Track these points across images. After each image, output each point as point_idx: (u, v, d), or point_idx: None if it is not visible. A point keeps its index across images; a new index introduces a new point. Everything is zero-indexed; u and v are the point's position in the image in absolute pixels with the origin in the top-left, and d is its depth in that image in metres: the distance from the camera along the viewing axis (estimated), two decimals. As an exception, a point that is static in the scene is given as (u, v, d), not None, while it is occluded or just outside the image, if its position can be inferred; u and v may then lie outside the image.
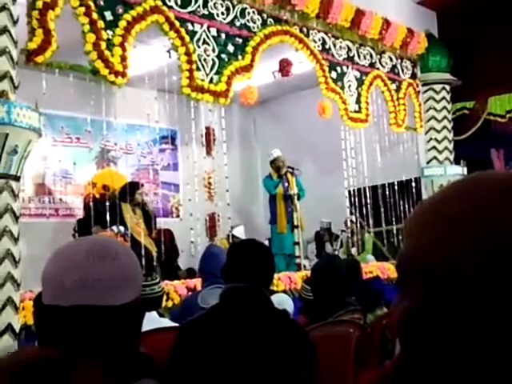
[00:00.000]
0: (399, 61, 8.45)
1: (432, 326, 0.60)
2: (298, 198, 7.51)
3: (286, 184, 7.60)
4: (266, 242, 7.71)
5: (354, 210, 8.23)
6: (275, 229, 7.63)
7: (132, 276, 1.18)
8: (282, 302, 3.68)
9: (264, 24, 6.58)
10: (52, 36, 4.71)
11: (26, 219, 6.70)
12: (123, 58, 5.24)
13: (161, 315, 3.40)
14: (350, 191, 8.19)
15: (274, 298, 3.79)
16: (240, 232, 7.26)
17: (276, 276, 5.70)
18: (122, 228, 6.21)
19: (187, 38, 5.79)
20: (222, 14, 6.20)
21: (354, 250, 8.12)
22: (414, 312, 0.61)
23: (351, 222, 8.29)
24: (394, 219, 8.14)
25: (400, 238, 7.54)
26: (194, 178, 6.87)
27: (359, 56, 7.81)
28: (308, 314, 3.60)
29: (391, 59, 8.32)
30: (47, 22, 4.69)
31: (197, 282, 5.18)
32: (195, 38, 5.91)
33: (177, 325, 3.07)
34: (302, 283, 4.12)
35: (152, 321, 2.83)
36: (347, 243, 8.38)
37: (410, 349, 0.63)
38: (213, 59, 6.03)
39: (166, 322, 3.10)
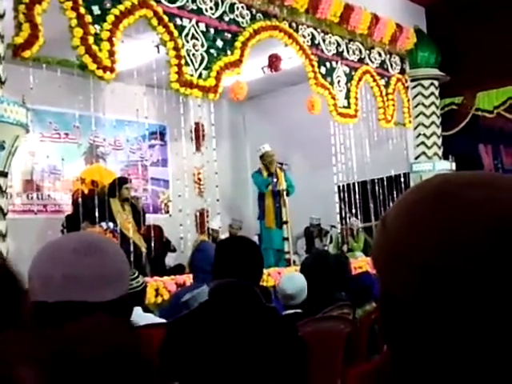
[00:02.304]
0: (388, 56, 8.47)
1: (423, 315, 0.60)
2: (287, 194, 7.50)
3: (275, 179, 7.59)
4: (256, 238, 7.70)
5: (350, 209, 8.24)
6: (264, 224, 7.61)
7: (119, 272, 1.17)
8: (293, 279, 3.60)
9: (253, 19, 6.57)
10: (39, 30, 4.67)
11: (13, 215, 6.65)
12: (111, 53, 5.21)
13: (149, 311, 3.38)
14: (339, 186, 8.21)
15: (288, 275, 3.76)
16: (216, 224, 7.22)
17: (266, 271, 5.70)
18: (111, 224, 6.19)
19: (176, 33, 5.77)
20: (211, 8, 6.18)
21: (344, 247, 8.14)
22: (402, 304, 0.61)
23: (351, 225, 8.28)
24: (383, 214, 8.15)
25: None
26: (183, 173, 6.85)
27: (348, 51, 7.82)
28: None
29: (380, 54, 8.33)
30: (34, 16, 4.65)
31: (186, 278, 5.17)
32: (184, 33, 5.89)
33: (163, 321, 3.06)
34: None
35: (137, 317, 2.82)
36: (337, 239, 8.40)
37: (397, 344, 0.64)
38: (202, 54, 6.01)
39: (151, 318, 3.08)
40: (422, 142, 8.81)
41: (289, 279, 3.62)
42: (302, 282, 3.48)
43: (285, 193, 7.44)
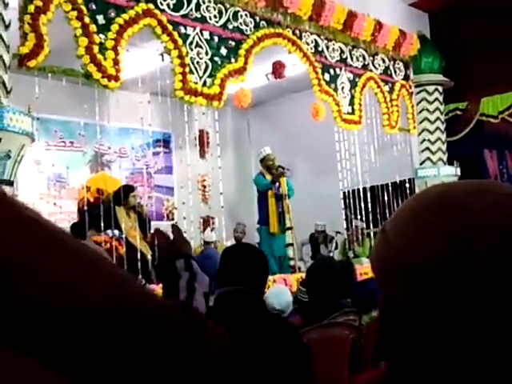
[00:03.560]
0: (392, 62, 8.48)
1: (427, 324, 0.59)
2: (288, 198, 7.45)
3: (277, 184, 7.54)
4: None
5: (356, 214, 8.23)
6: (265, 230, 7.37)
7: None
8: (281, 293, 3.72)
9: (257, 27, 6.59)
10: (44, 40, 4.70)
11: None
12: (116, 62, 5.23)
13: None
14: (344, 192, 8.21)
15: (274, 289, 3.82)
16: (210, 236, 7.19)
17: (271, 278, 5.69)
18: (116, 232, 6.19)
19: (180, 41, 5.80)
20: (215, 16, 6.20)
21: (350, 253, 8.12)
22: (405, 312, 0.61)
23: (356, 227, 8.27)
24: (388, 220, 8.12)
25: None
26: (188, 181, 6.86)
27: (352, 58, 7.83)
28: (303, 316, 3.60)
29: (384, 61, 8.34)
30: (39, 26, 4.68)
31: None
32: (188, 41, 5.91)
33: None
34: (299, 285, 4.13)
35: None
36: (342, 246, 8.39)
37: (399, 354, 0.63)
38: (206, 62, 6.03)
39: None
40: (427, 148, 8.80)
41: (276, 296, 3.69)
42: (288, 297, 3.60)
43: (286, 197, 7.39)
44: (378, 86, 8.15)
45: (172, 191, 9.55)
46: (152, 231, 6.87)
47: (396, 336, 0.63)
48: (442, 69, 8.81)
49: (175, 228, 1.75)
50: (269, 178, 7.53)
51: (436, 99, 8.81)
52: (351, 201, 8.20)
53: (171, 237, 1.74)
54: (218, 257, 3.46)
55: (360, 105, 7.84)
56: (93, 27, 5.12)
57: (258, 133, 10.19)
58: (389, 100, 8.30)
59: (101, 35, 5.19)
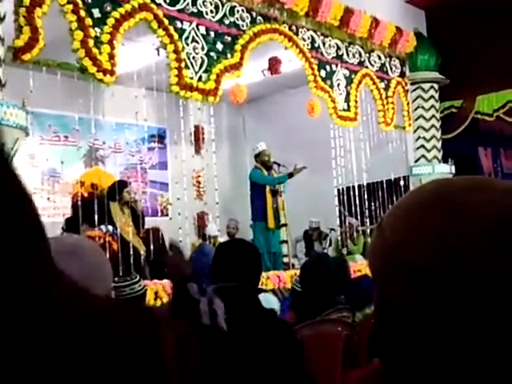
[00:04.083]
0: (388, 59, 8.48)
1: (421, 320, 0.59)
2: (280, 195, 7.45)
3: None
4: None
5: (350, 212, 8.24)
6: (259, 226, 7.33)
7: (96, 276, 1.15)
8: (269, 302, 3.73)
9: (253, 22, 6.58)
10: (39, 33, 4.68)
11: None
12: (111, 56, 5.21)
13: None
14: (339, 189, 8.21)
15: (261, 298, 3.83)
16: (212, 230, 7.17)
17: (265, 275, 5.70)
18: (110, 227, 6.18)
19: (176, 36, 5.78)
20: (211, 11, 6.18)
21: (344, 251, 8.13)
22: (400, 309, 0.61)
23: (350, 224, 8.28)
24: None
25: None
26: (182, 176, 6.84)
27: (348, 54, 7.83)
28: (297, 312, 3.61)
29: (380, 58, 8.34)
30: (34, 19, 4.66)
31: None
32: (184, 36, 5.89)
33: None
34: (296, 277, 4.14)
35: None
36: (336, 243, 8.39)
37: (394, 351, 0.63)
38: (202, 57, 6.01)
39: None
40: (422, 145, 8.81)
41: (264, 303, 3.69)
42: (275, 304, 3.60)
43: (282, 193, 7.40)
44: (374, 83, 8.15)
45: (166, 187, 9.53)
46: (146, 227, 6.86)
47: (390, 332, 0.62)
48: (438, 66, 8.81)
49: (175, 249, 1.70)
50: (265, 173, 7.53)
51: (431, 97, 8.82)
52: (346, 198, 8.20)
53: (165, 241, 1.73)
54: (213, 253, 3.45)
55: (356, 101, 7.84)
56: (88, 21, 5.10)
57: (254, 129, 10.18)
58: (384, 97, 8.31)
59: (96, 29, 5.16)
